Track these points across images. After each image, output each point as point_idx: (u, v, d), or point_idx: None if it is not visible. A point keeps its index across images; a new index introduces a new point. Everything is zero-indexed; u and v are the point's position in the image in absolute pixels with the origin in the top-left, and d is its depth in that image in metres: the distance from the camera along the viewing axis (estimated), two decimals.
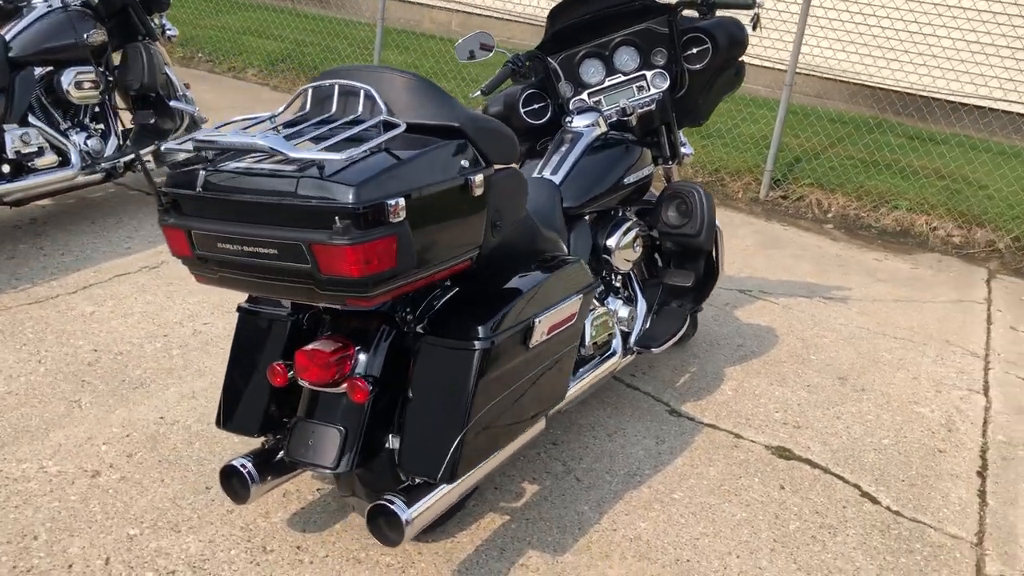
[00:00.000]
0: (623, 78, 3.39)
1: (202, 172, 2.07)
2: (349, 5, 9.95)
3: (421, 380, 2.22)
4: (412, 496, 2.20)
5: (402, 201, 1.97)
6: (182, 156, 2.14)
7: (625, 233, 3.19)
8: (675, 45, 3.31)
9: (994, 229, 5.82)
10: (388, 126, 2.12)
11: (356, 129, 2.07)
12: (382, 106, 2.15)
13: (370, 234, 1.93)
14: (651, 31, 3.32)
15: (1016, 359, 4.32)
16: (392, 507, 2.14)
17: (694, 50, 3.37)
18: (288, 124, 2.24)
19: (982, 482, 3.24)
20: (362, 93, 2.19)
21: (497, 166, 2.29)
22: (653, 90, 3.36)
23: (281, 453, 2.38)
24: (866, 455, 3.31)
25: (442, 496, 2.25)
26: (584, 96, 3.40)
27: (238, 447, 2.90)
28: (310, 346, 2.24)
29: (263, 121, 2.25)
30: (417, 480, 2.25)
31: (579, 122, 3.25)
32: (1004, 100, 7.15)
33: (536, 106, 3.38)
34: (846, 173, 6.49)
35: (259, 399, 2.40)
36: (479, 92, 3.25)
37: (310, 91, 2.27)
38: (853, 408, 3.64)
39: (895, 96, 7.40)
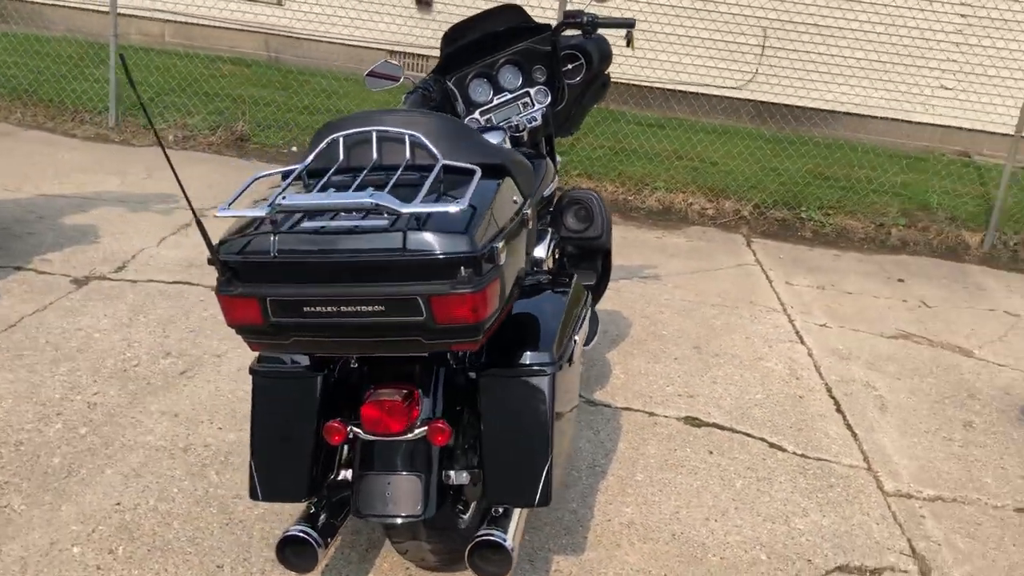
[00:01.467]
0: (509, 96, 3.54)
1: (274, 237, 1.98)
2: (35, 18, 8.96)
3: (495, 413, 2.26)
4: (500, 525, 2.25)
5: (503, 243, 2.03)
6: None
7: (548, 244, 3.37)
8: (556, 62, 3.53)
9: (737, 200, 6.69)
10: (448, 170, 2.14)
11: (431, 177, 2.07)
12: (434, 150, 2.17)
13: (485, 279, 1.98)
14: (532, 50, 3.50)
15: (805, 309, 5.09)
16: (494, 538, 2.19)
17: (570, 66, 3.61)
18: (314, 173, 2.18)
19: (843, 417, 3.86)
20: (407, 139, 2.19)
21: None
22: (537, 105, 3.55)
23: (324, 515, 2.30)
24: (752, 411, 3.79)
25: (522, 519, 2.33)
26: (476, 115, 3.51)
27: (218, 518, 2.72)
28: (376, 398, 2.20)
29: (296, 174, 2.18)
30: (499, 510, 2.29)
31: (493, 137, 3.36)
32: (714, 86, 8.19)
33: None
34: (609, 162, 7.10)
35: (301, 462, 2.31)
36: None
37: (341, 140, 2.22)
38: (719, 372, 4.13)
39: (623, 87, 8.16)
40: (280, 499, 2.30)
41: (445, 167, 2.14)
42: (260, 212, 1.96)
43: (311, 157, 2.21)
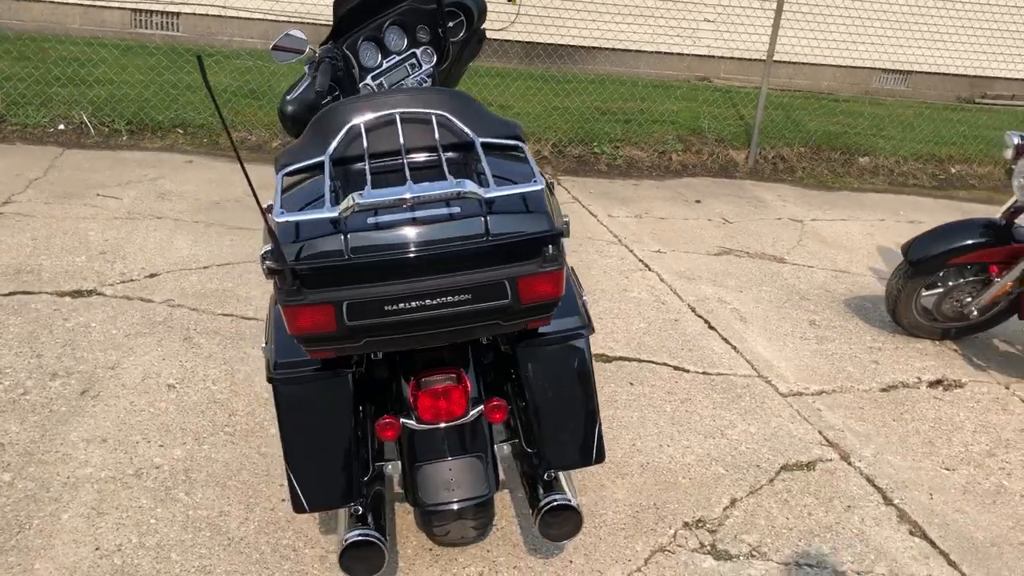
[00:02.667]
0: (396, 58, 3.46)
1: (345, 237, 1.88)
2: None
3: (543, 382, 2.30)
4: (559, 489, 2.32)
5: (567, 215, 2.08)
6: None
7: None
8: (440, 20, 3.49)
9: (535, 140, 6.93)
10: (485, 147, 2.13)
11: (483, 157, 2.05)
12: (466, 129, 2.14)
13: (563, 254, 2.01)
14: (415, 9, 3.43)
15: (636, 238, 5.46)
16: (567, 502, 2.26)
17: (451, 23, 3.58)
18: (342, 161, 2.09)
19: (717, 333, 4.24)
20: (434, 119, 2.14)
21: None
22: (425, 66, 3.50)
23: (371, 514, 2.26)
24: (645, 340, 4.07)
25: (570, 479, 2.40)
26: (369, 80, 3.41)
27: (216, 540, 2.55)
28: (429, 386, 2.18)
29: (318, 163, 2.07)
30: (551, 475, 2.35)
31: None
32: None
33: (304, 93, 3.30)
34: None
35: (344, 466, 2.23)
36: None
37: (362, 126, 2.12)
38: (599, 308, 4.36)
39: None
40: (328, 507, 2.22)
41: (526, 145, 2.14)
42: (332, 213, 1.85)
43: (333, 146, 2.09)
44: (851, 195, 6.96)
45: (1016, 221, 4.10)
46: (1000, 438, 3.55)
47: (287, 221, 1.85)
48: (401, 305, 1.93)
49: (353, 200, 1.84)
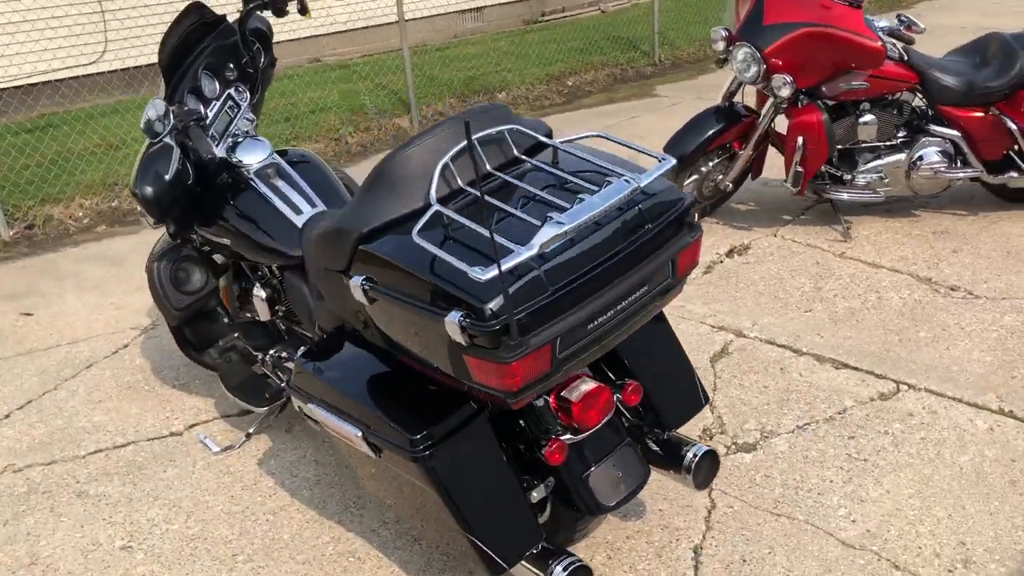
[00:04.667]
0: (216, 104, 3.15)
1: (542, 269, 1.83)
2: None
3: (642, 349, 2.40)
4: (688, 441, 2.46)
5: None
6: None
7: None
8: (247, 52, 3.22)
9: None
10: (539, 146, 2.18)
11: (589, 155, 2.08)
12: (539, 136, 2.16)
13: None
14: (218, 48, 3.14)
15: None
16: (706, 448, 2.42)
17: (250, 52, 3.32)
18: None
19: None
20: (507, 135, 2.11)
21: None
22: (242, 104, 3.23)
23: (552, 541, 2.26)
24: None
25: None
26: (213, 132, 3.08)
27: None
28: (580, 394, 2.18)
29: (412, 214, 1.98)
30: (669, 435, 2.47)
31: (255, 155, 3.01)
32: None
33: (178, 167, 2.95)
34: None
35: (519, 506, 2.18)
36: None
37: (450, 162, 2.01)
38: None
39: None
40: (522, 554, 2.15)
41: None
42: (532, 251, 1.77)
43: (434, 191, 1.96)
44: None
45: (734, 100, 4.83)
46: (811, 274, 4.26)
47: (492, 276, 1.73)
48: (601, 318, 1.91)
49: (556, 231, 1.77)
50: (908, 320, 3.78)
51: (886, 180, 4.63)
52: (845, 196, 4.68)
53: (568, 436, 2.17)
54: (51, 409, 3.60)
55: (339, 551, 2.70)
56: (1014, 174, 4.59)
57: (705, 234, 4.73)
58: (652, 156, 2.12)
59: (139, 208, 3.27)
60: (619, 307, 1.95)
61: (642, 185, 1.95)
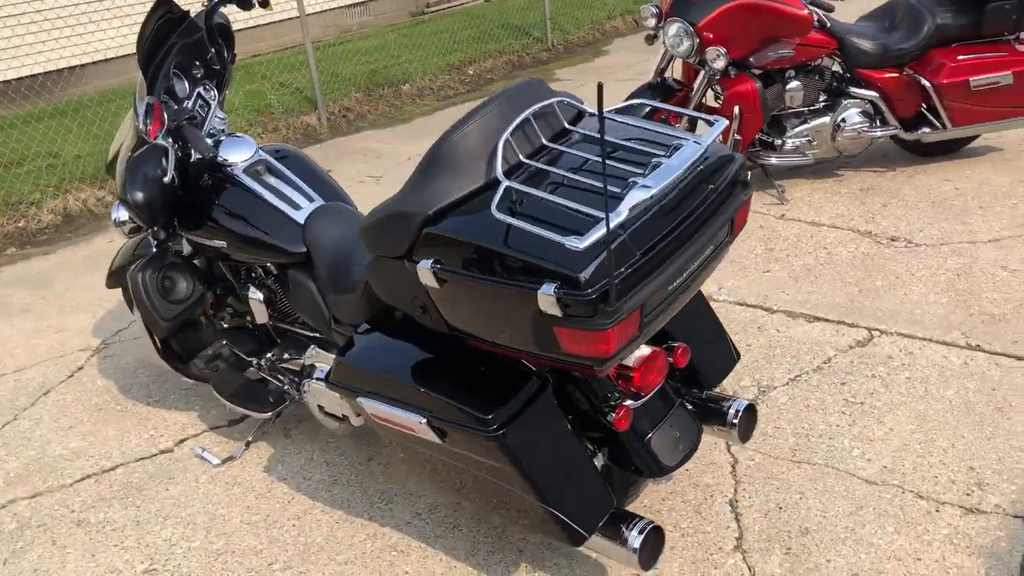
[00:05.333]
0: (188, 103, 3.04)
1: (624, 237, 1.86)
2: None
3: (680, 313, 2.45)
4: (726, 396, 2.54)
5: None
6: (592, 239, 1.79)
7: None
8: (214, 45, 3.10)
9: None
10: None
11: (635, 119, 2.12)
12: (586, 107, 2.19)
13: None
14: (184, 46, 3.02)
15: None
16: (749, 401, 2.50)
17: (213, 49, 3.21)
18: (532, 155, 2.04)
19: None
20: (556, 107, 2.13)
21: None
22: (212, 102, 3.12)
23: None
24: None
25: None
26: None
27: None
28: (638, 358, 2.23)
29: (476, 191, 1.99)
30: (707, 393, 2.54)
31: (240, 153, 2.92)
32: None
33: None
34: None
35: (591, 473, 2.21)
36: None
37: (509, 137, 2.01)
38: None
39: None
40: (599, 521, 2.18)
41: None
42: (620, 216, 1.80)
43: (499, 165, 1.95)
44: (427, 120, 7.45)
45: (665, 76, 4.96)
46: (759, 237, 4.44)
47: (588, 244, 1.74)
48: (678, 280, 1.95)
49: (644, 195, 1.80)
50: (862, 271, 3.98)
51: (814, 143, 4.85)
52: (776, 161, 4.89)
53: (630, 401, 2.20)
54: (18, 440, 3.39)
55: (379, 547, 2.65)
56: (926, 129, 4.89)
57: None
58: (704, 119, 2.17)
59: (116, 216, 3.11)
60: (692, 268, 2.00)
61: (705, 144, 2.00)
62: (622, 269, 1.82)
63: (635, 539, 2.14)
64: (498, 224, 1.87)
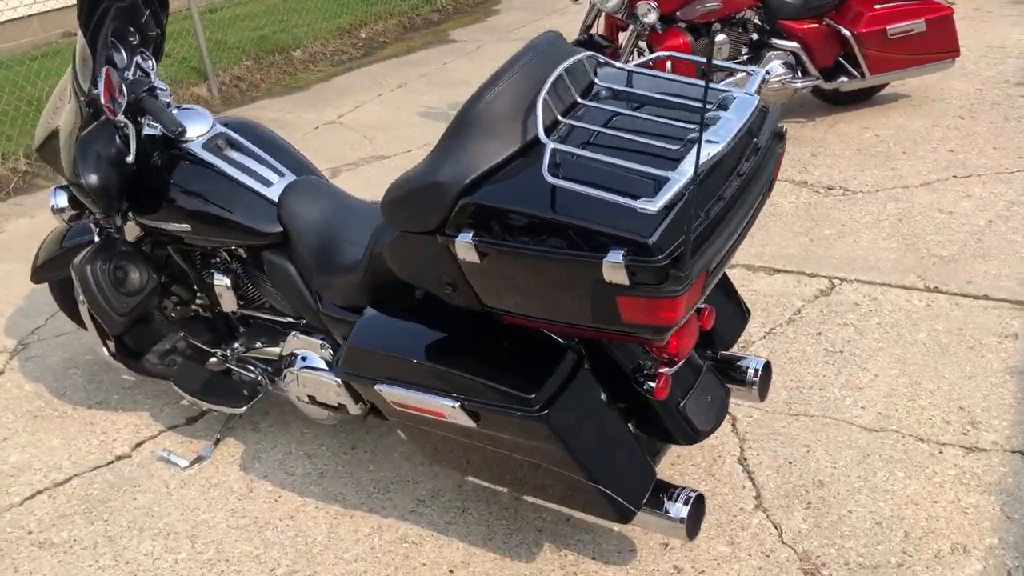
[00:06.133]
0: (129, 75, 2.76)
1: (692, 193, 1.77)
2: None
3: None
4: (744, 355, 2.51)
5: None
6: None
7: None
8: (149, 7, 2.81)
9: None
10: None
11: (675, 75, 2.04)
12: (618, 64, 2.09)
13: None
14: (118, 9, 2.72)
15: None
16: (765, 360, 2.48)
17: (150, 10, 2.92)
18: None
19: None
20: (585, 63, 2.01)
21: None
22: (151, 71, 2.85)
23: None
24: None
25: None
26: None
27: None
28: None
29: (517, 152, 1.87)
30: (722, 353, 2.50)
31: (197, 127, 2.68)
32: None
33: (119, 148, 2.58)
34: None
35: (632, 447, 2.14)
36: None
37: (547, 97, 1.88)
38: None
39: None
40: (644, 494, 2.11)
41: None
42: (686, 176, 1.70)
43: (540, 124, 1.82)
44: (325, 86, 7.14)
45: (591, 32, 4.88)
46: None
47: (660, 207, 1.64)
48: (736, 236, 1.88)
49: (712, 151, 1.70)
50: (808, 221, 4.03)
51: None
52: None
53: (666, 368, 2.13)
54: None
55: (388, 540, 2.51)
56: (844, 79, 4.99)
57: None
58: (742, 70, 2.09)
59: (55, 202, 2.79)
60: (748, 221, 1.92)
61: (754, 92, 1.92)
62: (699, 228, 1.73)
63: (680, 509, 2.08)
64: (551, 189, 1.74)
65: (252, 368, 2.83)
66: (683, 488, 2.13)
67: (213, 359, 2.96)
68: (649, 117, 1.87)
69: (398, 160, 5.33)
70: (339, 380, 2.47)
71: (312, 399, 2.60)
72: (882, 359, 3.04)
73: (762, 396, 2.46)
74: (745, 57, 4.93)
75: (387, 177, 4.58)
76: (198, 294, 2.91)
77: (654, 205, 1.63)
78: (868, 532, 2.37)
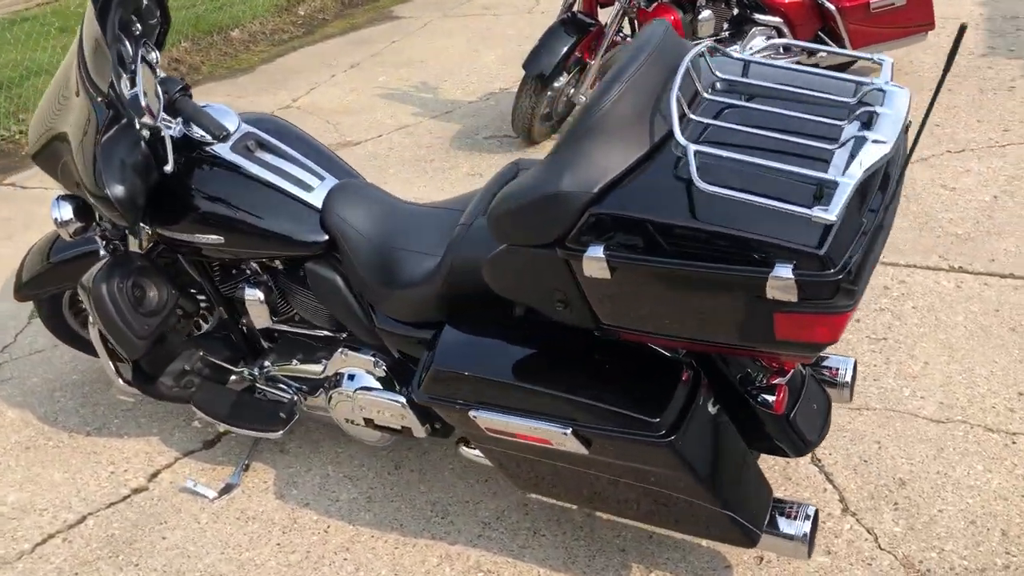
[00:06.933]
0: (136, 70, 2.46)
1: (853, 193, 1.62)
2: None
3: None
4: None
5: None
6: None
7: None
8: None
9: None
10: None
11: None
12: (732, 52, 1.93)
13: None
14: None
15: None
16: (853, 359, 2.38)
17: None
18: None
19: None
20: (706, 51, 1.85)
21: None
22: (155, 64, 2.56)
23: None
24: None
25: None
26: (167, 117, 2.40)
27: None
28: None
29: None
30: None
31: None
32: None
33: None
34: None
35: (754, 463, 2.02)
36: None
37: (680, 92, 1.71)
38: None
39: None
40: (767, 515, 1.99)
41: None
42: (856, 179, 1.55)
43: (676, 124, 1.65)
44: (270, 67, 6.80)
45: (574, 10, 4.69)
46: None
47: (838, 213, 1.49)
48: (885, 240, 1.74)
49: (882, 151, 1.56)
50: None
51: None
52: None
53: (780, 379, 2.00)
54: None
55: (460, 570, 2.33)
56: (823, 53, 4.93)
57: None
58: (865, 58, 1.94)
59: (59, 215, 2.47)
60: (890, 227, 1.79)
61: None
62: (858, 239, 1.59)
63: (802, 527, 1.97)
64: (698, 196, 1.57)
65: (284, 387, 2.60)
66: (798, 503, 2.01)
67: (233, 377, 2.71)
68: (783, 112, 1.71)
69: (370, 146, 5.07)
70: (404, 402, 2.27)
71: (369, 421, 2.39)
72: (928, 345, 2.99)
73: (852, 397, 2.36)
74: (727, 33, 4.83)
75: (361, 165, 4.37)
76: (215, 308, 2.65)
77: (831, 213, 1.48)
78: (964, 532, 2.30)
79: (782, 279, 1.52)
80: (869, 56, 1.91)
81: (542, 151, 4.71)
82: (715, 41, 4.59)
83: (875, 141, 1.57)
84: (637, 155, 1.68)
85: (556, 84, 4.61)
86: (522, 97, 4.58)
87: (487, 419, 1.95)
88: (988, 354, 2.92)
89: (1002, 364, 2.87)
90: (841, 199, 1.50)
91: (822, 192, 1.55)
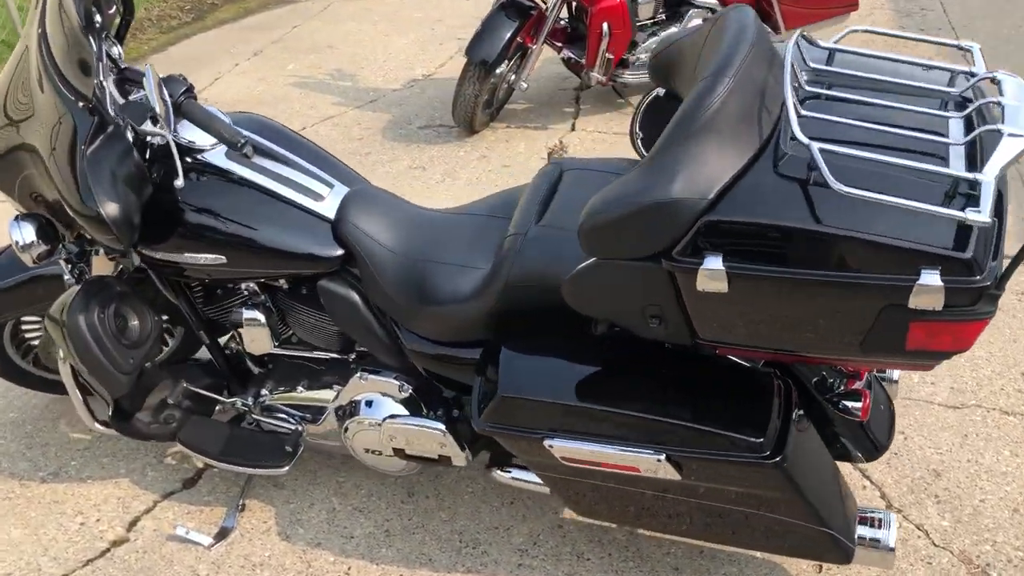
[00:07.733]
0: (101, 68, 2.15)
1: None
2: None
3: None
4: None
5: None
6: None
7: None
8: None
9: None
10: None
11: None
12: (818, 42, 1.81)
13: None
14: None
15: None
16: None
17: None
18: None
19: None
20: (791, 46, 1.71)
21: None
22: (120, 61, 2.27)
23: None
24: None
25: None
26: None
27: None
28: None
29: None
30: None
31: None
32: None
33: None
34: None
35: (840, 476, 1.93)
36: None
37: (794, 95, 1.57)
38: None
39: None
40: (855, 529, 1.90)
41: None
42: (993, 178, 1.45)
43: (793, 117, 1.51)
44: (163, 56, 6.32)
45: None
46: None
47: (990, 217, 1.39)
48: None
49: (1019, 146, 1.46)
50: None
51: None
52: (630, 78, 4.68)
53: (859, 384, 1.91)
54: None
55: None
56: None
57: (511, 140, 4.48)
58: (950, 45, 1.84)
59: (20, 238, 2.11)
60: None
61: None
62: (993, 240, 1.49)
63: (889, 536, 1.88)
64: (834, 199, 1.44)
65: (285, 416, 2.35)
66: (878, 511, 1.93)
67: (219, 408, 2.44)
68: (887, 104, 1.60)
69: None
70: (444, 428, 2.07)
71: (399, 451, 2.17)
72: None
73: (897, 392, 2.30)
74: (663, 15, 4.75)
75: None
76: (195, 333, 2.37)
77: (983, 215, 1.37)
78: (1011, 522, 2.28)
79: (930, 287, 1.41)
80: (956, 43, 1.81)
81: (483, 140, 4.53)
82: (653, 25, 4.55)
83: (1012, 135, 1.47)
84: (748, 156, 1.54)
85: (498, 71, 4.42)
86: (464, 84, 4.37)
87: (564, 448, 1.77)
88: (982, 336, 2.92)
89: (998, 345, 2.89)
90: (989, 198, 1.39)
91: (955, 191, 1.45)
